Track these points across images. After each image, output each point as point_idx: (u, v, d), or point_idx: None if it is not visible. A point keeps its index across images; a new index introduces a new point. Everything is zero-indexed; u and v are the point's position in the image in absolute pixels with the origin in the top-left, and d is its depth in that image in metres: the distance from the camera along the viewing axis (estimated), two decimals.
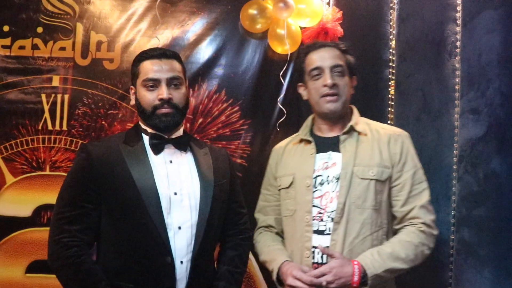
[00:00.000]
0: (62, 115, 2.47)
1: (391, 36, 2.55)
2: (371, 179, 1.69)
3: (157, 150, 1.66)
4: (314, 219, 1.71)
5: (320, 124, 1.83)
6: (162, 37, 2.53)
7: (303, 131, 1.87)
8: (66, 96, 2.48)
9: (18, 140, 2.45)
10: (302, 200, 1.74)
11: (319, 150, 1.79)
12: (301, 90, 1.87)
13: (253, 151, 2.54)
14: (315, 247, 1.69)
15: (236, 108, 2.54)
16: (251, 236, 1.88)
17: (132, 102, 1.74)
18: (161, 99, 1.62)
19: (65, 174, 2.37)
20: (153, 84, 1.64)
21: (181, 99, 1.67)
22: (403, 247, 1.64)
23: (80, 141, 2.47)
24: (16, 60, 2.46)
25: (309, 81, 1.79)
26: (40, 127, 2.46)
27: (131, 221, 1.58)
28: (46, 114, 2.46)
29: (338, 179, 1.71)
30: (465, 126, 2.37)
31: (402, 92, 2.51)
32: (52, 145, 2.47)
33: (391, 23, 2.55)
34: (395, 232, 1.74)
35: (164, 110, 1.63)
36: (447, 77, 2.42)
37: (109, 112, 2.49)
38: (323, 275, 1.57)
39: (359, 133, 1.77)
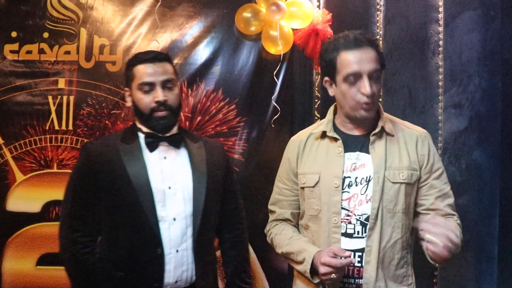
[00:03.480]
0: (68, 115, 2.53)
1: (378, 36, 2.58)
2: (402, 183, 1.60)
3: (152, 147, 1.70)
4: (341, 221, 1.60)
5: (346, 122, 1.68)
6: (162, 40, 2.58)
7: (327, 126, 1.69)
8: (72, 98, 2.54)
9: (27, 140, 2.52)
10: (329, 200, 1.62)
11: (347, 149, 1.64)
12: (328, 85, 1.67)
13: (249, 147, 2.59)
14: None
15: (233, 107, 2.59)
16: (246, 226, 1.91)
17: (129, 103, 1.75)
18: (157, 102, 1.66)
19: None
20: (149, 87, 1.67)
21: (175, 100, 1.71)
22: (458, 229, 1.57)
23: (86, 140, 2.54)
24: (24, 64, 2.53)
25: (343, 84, 1.58)
26: (47, 127, 2.53)
27: (126, 215, 1.64)
28: (53, 115, 2.53)
29: (367, 181, 1.61)
30: (448, 120, 2.48)
31: (389, 89, 2.58)
32: (59, 144, 2.54)
33: (377, 24, 2.59)
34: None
35: (160, 113, 1.67)
36: (431, 74, 2.51)
37: (112, 112, 2.56)
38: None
39: (387, 133, 1.64)
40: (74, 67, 2.55)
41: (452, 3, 2.46)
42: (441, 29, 2.48)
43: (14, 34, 2.54)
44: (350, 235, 1.59)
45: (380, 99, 2.57)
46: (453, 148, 2.47)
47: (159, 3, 2.56)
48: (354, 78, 1.56)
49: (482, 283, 2.37)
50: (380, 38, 2.59)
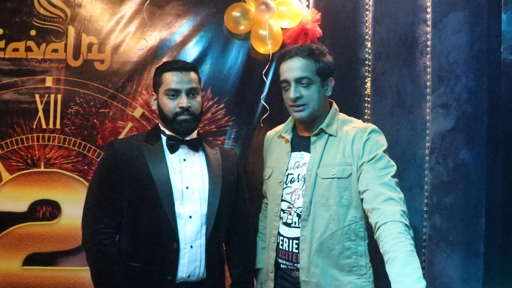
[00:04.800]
0: (55, 114, 2.51)
1: (366, 36, 2.60)
2: (333, 178, 1.73)
3: (172, 149, 1.83)
4: (284, 212, 1.82)
5: (297, 124, 1.90)
6: (151, 39, 2.58)
7: (285, 128, 1.93)
8: (59, 96, 2.52)
9: (13, 139, 2.49)
10: (274, 193, 1.87)
11: (294, 149, 1.87)
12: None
13: (238, 146, 2.58)
14: (281, 235, 1.81)
15: (222, 106, 2.59)
16: (252, 230, 2.03)
17: (154, 107, 1.88)
18: (181, 107, 1.78)
19: (59, 171, 2.50)
20: (174, 93, 1.79)
21: (198, 107, 1.83)
22: (405, 244, 1.48)
23: (73, 139, 2.53)
24: (11, 62, 2.50)
25: (282, 90, 1.84)
26: (34, 126, 2.50)
27: (146, 210, 1.76)
28: (40, 114, 2.51)
29: (305, 178, 1.78)
30: (436, 120, 2.48)
31: (377, 89, 2.59)
32: (46, 143, 2.52)
33: (366, 24, 2.60)
34: (372, 209, 1.61)
35: (183, 117, 1.79)
36: (419, 74, 2.51)
37: (100, 110, 2.55)
38: None
39: (330, 134, 1.80)
40: (62, 66, 2.53)
41: (440, 3, 2.46)
42: (429, 29, 2.49)
43: (0, 31, 2.51)
44: (289, 225, 1.81)
45: (369, 99, 2.61)
46: (441, 147, 2.47)
47: (148, 2, 2.56)
48: (285, 84, 1.79)
49: (468, 281, 2.38)
50: (369, 38, 2.60)
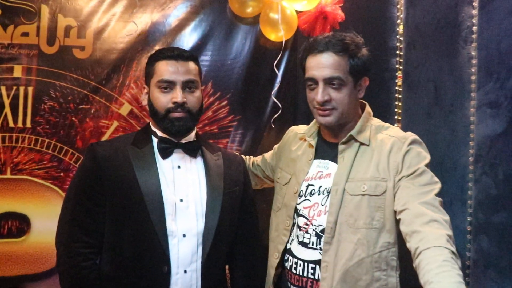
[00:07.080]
0: (25, 110, 2.34)
1: (398, 21, 2.47)
2: (363, 195, 1.61)
3: (165, 154, 1.70)
4: (300, 230, 1.69)
5: (322, 128, 1.79)
6: (140, 22, 2.43)
7: (309, 131, 1.83)
8: (30, 89, 2.34)
9: None
10: (288, 203, 1.77)
11: (318, 156, 1.77)
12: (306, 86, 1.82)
13: (244, 151, 2.46)
14: (295, 257, 1.69)
15: (225, 103, 2.49)
16: (261, 253, 1.88)
17: (144, 102, 1.77)
18: (175, 102, 1.65)
19: (29, 178, 2.35)
20: (168, 86, 1.67)
21: (195, 103, 1.70)
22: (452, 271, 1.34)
23: (47, 140, 2.35)
24: None
25: (306, 87, 1.72)
26: (0, 124, 2.32)
27: (132, 226, 1.62)
28: (7, 109, 2.32)
29: (329, 192, 1.68)
30: (482, 122, 2.26)
31: (410, 84, 2.44)
32: (13, 144, 2.34)
33: (398, 6, 2.46)
34: (412, 231, 1.47)
35: (177, 114, 1.66)
36: (461, 67, 2.32)
37: (80, 107, 2.39)
38: None
39: (361, 143, 1.70)
40: (34, 52, 2.34)
41: None
42: (475, 12, 2.25)
43: None
44: (305, 245, 1.68)
45: (400, 96, 2.47)
46: (488, 155, 2.23)
47: None
48: (311, 83, 1.67)
49: None
50: (401, 23, 2.44)
